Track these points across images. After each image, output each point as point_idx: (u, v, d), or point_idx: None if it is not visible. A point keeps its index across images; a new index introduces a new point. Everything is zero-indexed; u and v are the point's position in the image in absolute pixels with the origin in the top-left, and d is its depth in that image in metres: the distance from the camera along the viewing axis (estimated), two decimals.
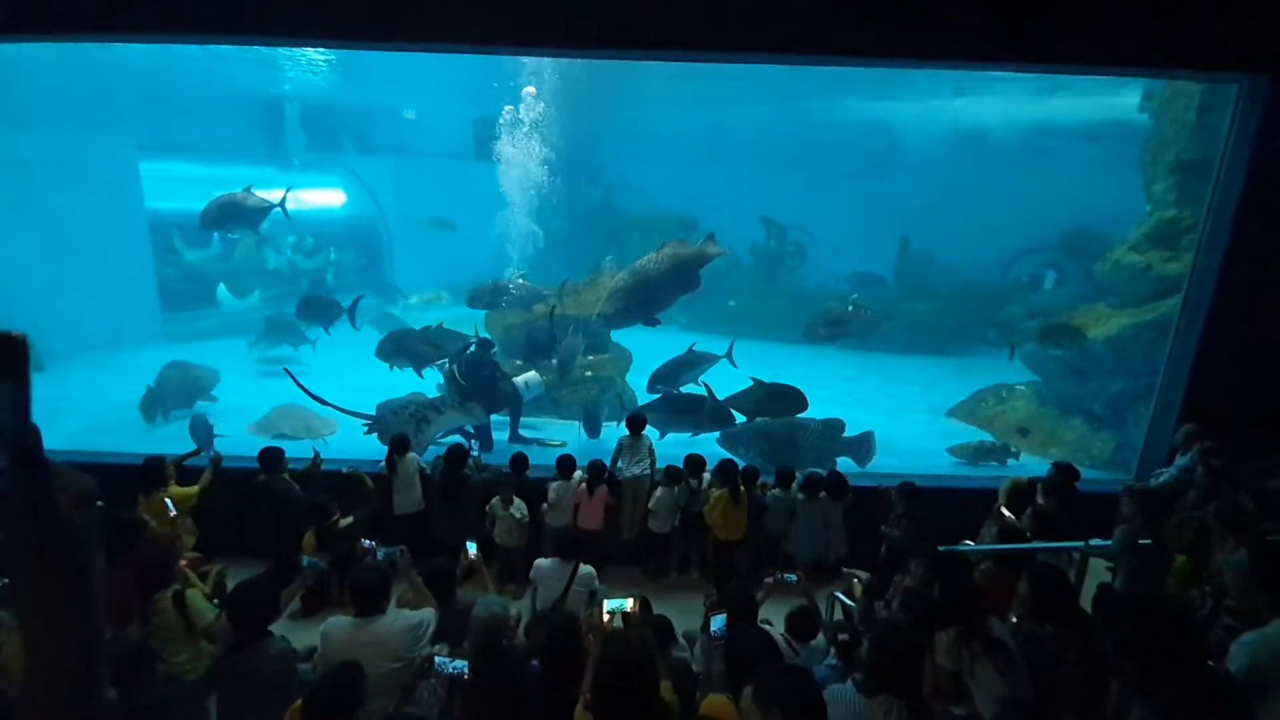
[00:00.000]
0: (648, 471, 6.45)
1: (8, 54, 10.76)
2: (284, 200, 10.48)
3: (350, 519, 5.60)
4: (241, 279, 15.38)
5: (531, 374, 8.65)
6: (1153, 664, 2.57)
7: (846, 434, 8.04)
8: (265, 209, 10.38)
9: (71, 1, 5.64)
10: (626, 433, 6.65)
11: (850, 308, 11.04)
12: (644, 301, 8.13)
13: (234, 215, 10.37)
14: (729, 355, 9.28)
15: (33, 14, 5.64)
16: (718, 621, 3.56)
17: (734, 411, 8.30)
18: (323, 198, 19.81)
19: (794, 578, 4.38)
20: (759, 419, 8.22)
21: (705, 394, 8.33)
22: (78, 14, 5.67)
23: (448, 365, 8.44)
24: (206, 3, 5.60)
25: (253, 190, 10.34)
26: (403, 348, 9.49)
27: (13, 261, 11.56)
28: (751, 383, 8.47)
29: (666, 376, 8.90)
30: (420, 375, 9.44)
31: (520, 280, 10.21)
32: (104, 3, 5.64)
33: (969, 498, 6.32)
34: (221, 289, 14.79)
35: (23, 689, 0.90)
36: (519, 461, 6.28)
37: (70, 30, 5.79)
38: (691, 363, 9.05)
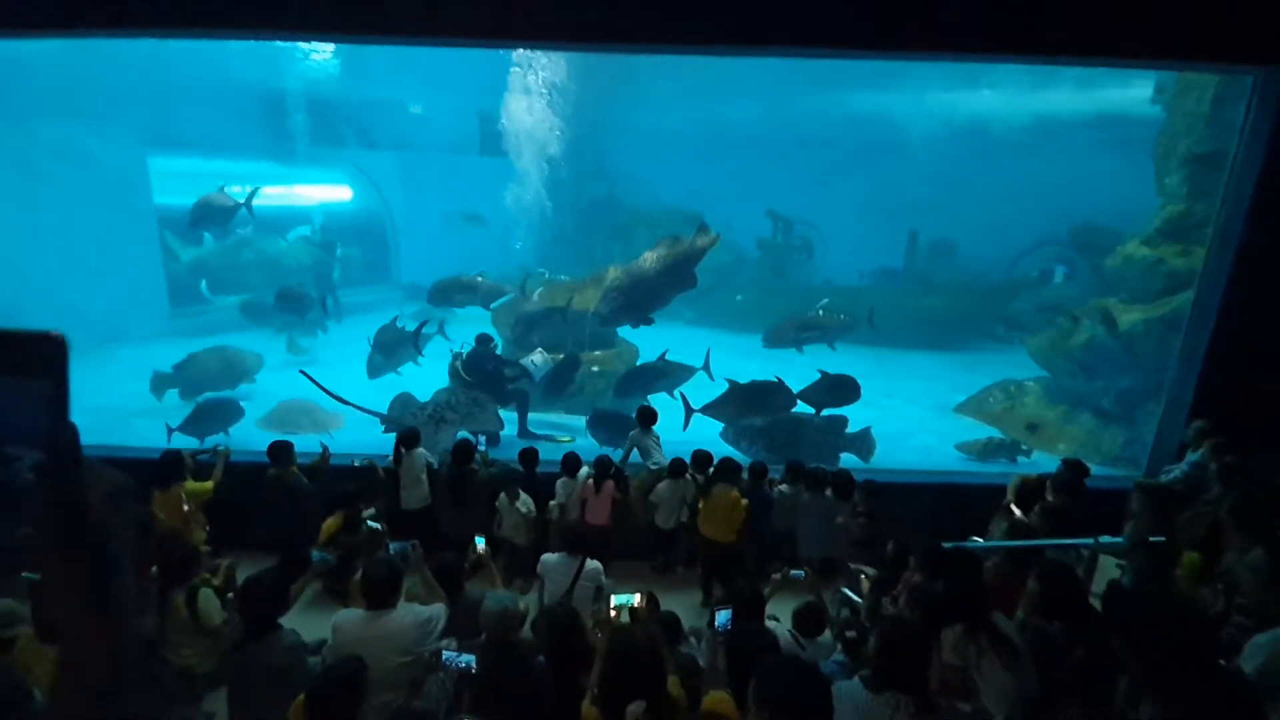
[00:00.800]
0: (660, 462, 6.43)
1: (14, 50, 10.82)
2: (249, 199, 10.84)
3: (372, 509, 5.66)
4: (220, 275, 15.81)
5: (538, 353, 8.54)
6: (1160, 661, 2.56)
7: (848, 430, 8.02)
8: (230, 208, 10.91)
9: None
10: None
11: (820, 312, 10.76)
12: (639, 301, 8.06)
13: (206, 215, 11.00)
14: (706, 367, 8.76)
15: (38, 9, 5.65)
16: (722, 616, 3.56)
17: (803, 403, 8.11)
18: (328, 193, 19.85)
19: (801, 574, 4.36)
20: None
21: (775, 382, 7.98)
22: (82, 9, 5.68)
23: (452, 362, 8.46)
24: None
25: (224, 189, 10.82)
26: (375, 341, 10.25)
27: (21, 256, 11.63)
28: (820, 375, 8.38)
29: (635, 385, 8.54)
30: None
31: (480, 277, 10.42)
32: None
33: (978, 494, 6.28)
34: (203, 285, 15.16)
35: (54, 690, 0.91)
36: (528, 457, 6.28)
37: (75, 25, 5.79)
38: (663, 372, 8.61)
